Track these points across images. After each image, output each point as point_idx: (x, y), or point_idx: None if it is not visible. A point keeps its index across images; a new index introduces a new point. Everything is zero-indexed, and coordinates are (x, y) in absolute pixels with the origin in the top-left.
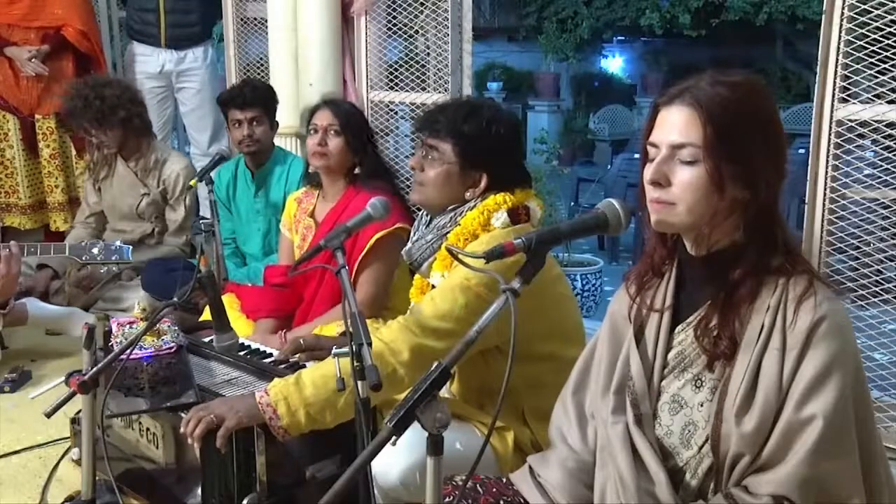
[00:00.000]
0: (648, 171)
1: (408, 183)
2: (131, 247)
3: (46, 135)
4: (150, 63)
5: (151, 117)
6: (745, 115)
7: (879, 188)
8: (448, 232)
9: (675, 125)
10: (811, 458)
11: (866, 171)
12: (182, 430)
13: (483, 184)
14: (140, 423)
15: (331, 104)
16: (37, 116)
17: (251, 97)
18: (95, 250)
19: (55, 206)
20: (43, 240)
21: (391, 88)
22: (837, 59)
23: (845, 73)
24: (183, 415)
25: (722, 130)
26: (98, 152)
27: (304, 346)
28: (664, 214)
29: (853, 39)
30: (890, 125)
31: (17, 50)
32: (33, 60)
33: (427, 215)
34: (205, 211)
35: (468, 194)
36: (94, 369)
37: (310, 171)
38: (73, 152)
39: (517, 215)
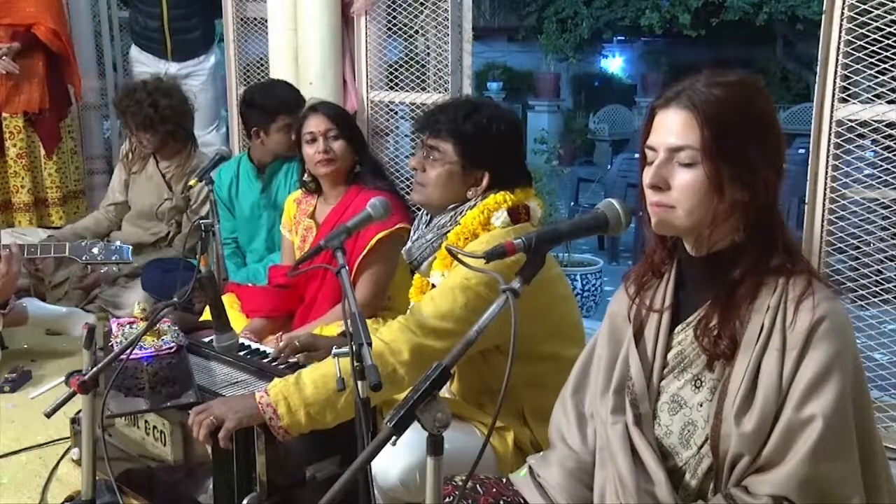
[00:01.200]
0: (647, 175)
1: (408, 183)
2: (131, 247)
3: (13, 134)
4: (154, 66)
5: None
6: (742, 116)
7: (879, 188)
8: (448, 231)
9: (673, 128)
10: (811, 458)
11: (866, 171)
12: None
13: (485, 182)
14: (146, 421)
15: (321, 108)
16: (4, 115)
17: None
18: (95, 250)
19: (20, 206)
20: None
21: (391, 88)
22: (837, 59)
23: (845, 73)
24: (189, 412)
25: (719, 132)
26: (138, 146)
27: (300, 346)
28: (664, 217)
29: (853, 39)
30: (890, 125)
31: None
32: (4, 58)
33: (427, 214)
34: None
35: (470, 193)
36: (94, 369)
37: (305, 177)
38: (42, 152)
39: (517, 214)
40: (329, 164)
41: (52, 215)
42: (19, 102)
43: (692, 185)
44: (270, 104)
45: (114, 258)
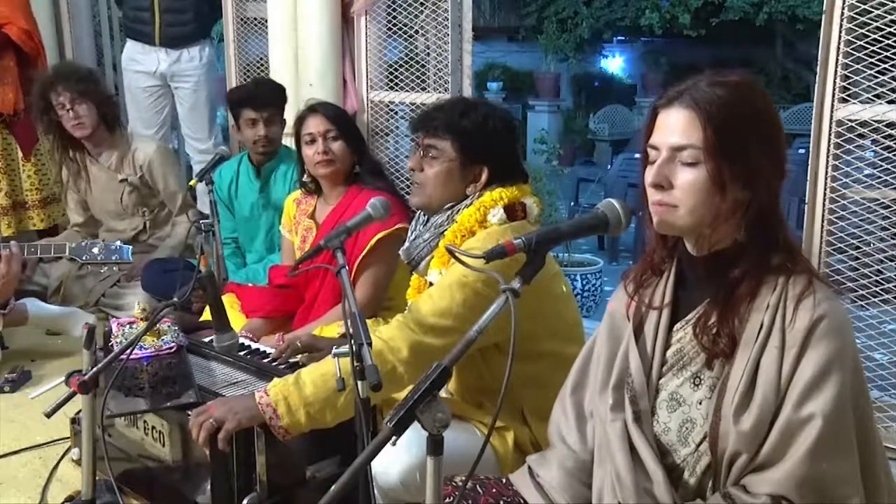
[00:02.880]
0: (650, 174)
1: (408, 183)
2: (131, 247)
3: None
4: (145, 62)
5: (148, 115)
6: (744, 115)
7: (879, 188)
8: (445, 230)
9: (675, 127)
10: (810, 457)
11: (866, 171)
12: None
13: (484, 178)
14: (145, 421)
15: (320, 109)
16: None
17: (268, 96)
18: (96, 250)
19: None
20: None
21: (391, 88)
22: (837, 59)
23: (845, 73)
24: (189, 413)
25: (722, 131)
26: (71, 161)
27: (302, 347)
28: (666, 217)
29: (853, 39)
30: (890, 125)
31: None
32: None
33: (424, 215)
34: (204, 210)
35: (469, 189)
36: (94, 369)
37: (304, 178)
38: (20, 155)
39: (514, 212)
40: (329, 165)
41: (32, 218)
42: None
43: (695, 184)
44: (233, 100)
45: (114, 258)
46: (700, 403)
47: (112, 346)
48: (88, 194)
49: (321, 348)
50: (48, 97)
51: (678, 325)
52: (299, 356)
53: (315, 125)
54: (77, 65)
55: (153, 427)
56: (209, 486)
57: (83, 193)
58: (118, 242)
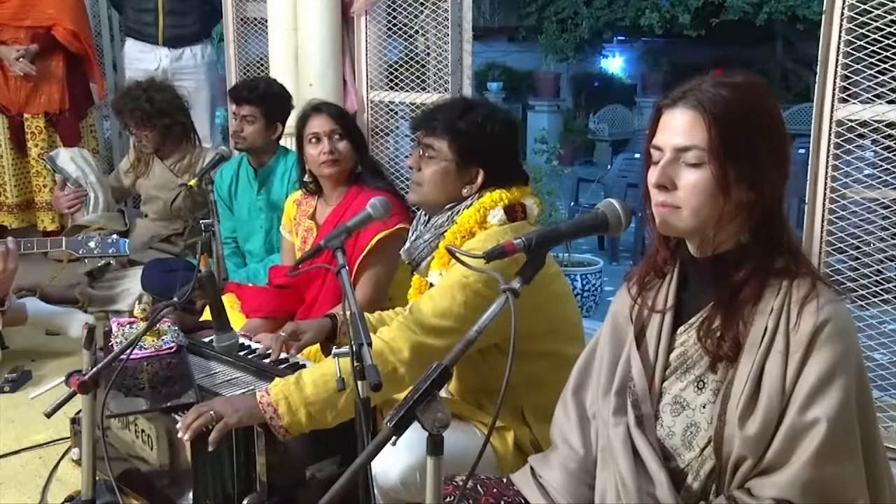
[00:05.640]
0: (653, 175)
1: (408, 183)
2: (128, 240)
3: (35, 134)
4: (146, 61)
5: None
6: (748, 116)
7: (879, 188)
8: (445, 230)
9: (679, 128)
10: (815, 461)
11: (866, 171)
12: (180, 424)
13: (480, 180)
14: (136, 424)
15: (324, 108)
16: (25, 115)
17: (247, 93)
18: (92, 244)
19: (43, 205)
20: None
21: (391, 88)
22: (837, 59)
23: (845, 73)
24: (177, 416)
25: (726, 132)
26: (139, 147)
27: (286, 335)
28: (670, 218)
29: (853, 39)
30: (890, 125)
31: (5, 49)
32: (21, 60)
33: (425, 215)
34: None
35: (465, 191)
36: (94, 369)
37: (305, 178)
38: None
39: (514, 212)
40: (334, 165)
41: (74, 214)
42: (40, 103)
43: (698, 185)
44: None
45: (110, 251)
46: (704, 407)
47: (112, 346)
48: (141, 184)
49: (304, 330)
50: (121, 117)
51: (681, 329)
52: (291, 351)
53: (320, 125)
54: (147, 96)
55: (142, 430)
56: (191, 495)
57: (131, 180)
58: (115, 236)
